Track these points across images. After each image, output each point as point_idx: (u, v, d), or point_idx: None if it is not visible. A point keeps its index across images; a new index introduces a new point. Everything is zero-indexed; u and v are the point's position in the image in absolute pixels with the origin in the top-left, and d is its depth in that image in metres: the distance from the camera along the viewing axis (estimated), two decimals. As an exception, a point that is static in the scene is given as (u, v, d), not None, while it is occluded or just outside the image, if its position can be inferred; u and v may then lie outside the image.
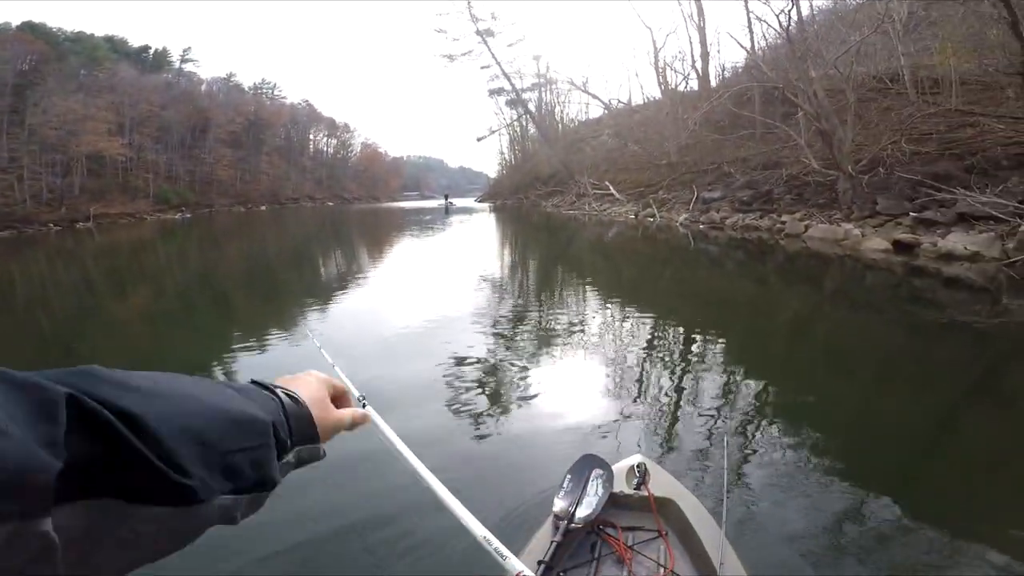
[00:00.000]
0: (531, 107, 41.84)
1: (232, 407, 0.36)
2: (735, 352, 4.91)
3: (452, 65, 36.44)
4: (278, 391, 0.43)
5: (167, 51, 58.46)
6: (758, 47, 22.64)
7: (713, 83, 27.03)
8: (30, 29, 44.49)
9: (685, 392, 3.91)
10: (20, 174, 33.59)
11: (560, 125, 43.50)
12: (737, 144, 19.26)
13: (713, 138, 20.52)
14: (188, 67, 58.65)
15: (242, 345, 5.71)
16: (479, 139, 45.89)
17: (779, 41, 21.07)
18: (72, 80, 39.62)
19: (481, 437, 3.30)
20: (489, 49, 35.14)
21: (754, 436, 3.17)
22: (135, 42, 56.60)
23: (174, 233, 27.05)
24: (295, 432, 0.42)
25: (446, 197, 50.63)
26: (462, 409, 3.71)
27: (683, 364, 4.61)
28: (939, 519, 2.32)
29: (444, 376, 4.32)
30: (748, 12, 21.28)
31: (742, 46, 22.94)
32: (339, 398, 0.53)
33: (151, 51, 57.16)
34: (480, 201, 52.31)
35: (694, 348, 5.13)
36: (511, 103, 43.43)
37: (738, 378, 4.19)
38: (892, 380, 4.26)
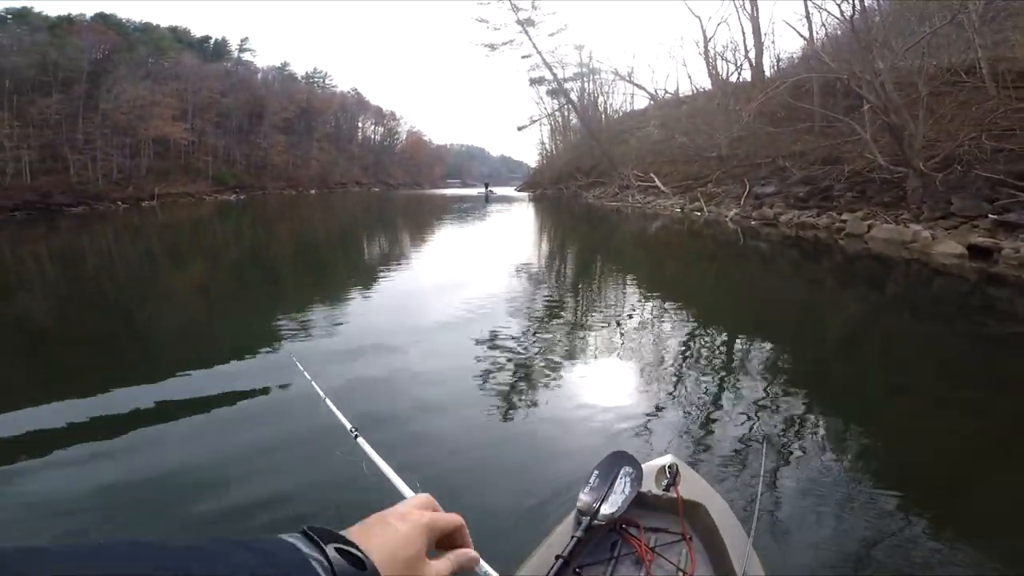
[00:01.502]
0: (573, 97, 41.28)
1: None
2: (781, 357, 4.73)
3: (493, 54, 36.04)
4: (330, 548, 0.33)
5: (226, 41, 60.76)
6: (817, 37, 21.69)
7: (767, 74, 26.05)
8: (103, 20, 47.21)
9: (724, 395, 3.78)
10: (94, 155, 36.00)
11: (603, 116, 42.81)
12: (793, 137, 18.53)
13: (768, 130, 19.80)
14: (246, 56, 60.81)
15: (281, 321, 5.94)
16: (520, 128, 45.64)
17: (839, 31, 20.21)
18: (141, 68, 41.87)
19: (508, 426, 3.31)
20: (530, 38, 34.70)
21: (793, 446, 3.05)
22: (197, 32, 59.03)
23: (230, 213, 28.23)
24: None
25: (486, 186, 50.82)
26: (490, 396, 3.75)
27: (724, 366, 4.47)
28: (988, 552, 2.18)
29: (475, 362, 4.39)
30: (806, 1, 20.34)
31: (801, 35, 22.09)
32: (452, 534, 0.43)
33: (212, 41, 59.44)
34: (520, 190, 52.26)
35: (737, 350, 4.97)
36: (553, 93, 42.96)
37: (781, 384, 4.02)
38: (954, 398, 3.97)
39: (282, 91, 56.66)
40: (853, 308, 7.13)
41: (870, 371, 4.60)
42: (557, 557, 1.50)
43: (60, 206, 31.51)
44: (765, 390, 3.84)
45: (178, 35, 55.31)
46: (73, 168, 35.13)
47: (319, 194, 50.85)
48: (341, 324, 5.63)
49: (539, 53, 35.32)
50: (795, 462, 2.84)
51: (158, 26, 53.77)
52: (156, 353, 5.11)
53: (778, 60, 27.76)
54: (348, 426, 1.95)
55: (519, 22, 33.66)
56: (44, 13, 45.36)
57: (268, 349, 4.81)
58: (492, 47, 35.13)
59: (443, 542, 0.42)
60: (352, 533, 0.36)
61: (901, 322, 6.40)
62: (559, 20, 49.61)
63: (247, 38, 67.19)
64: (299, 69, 65.52)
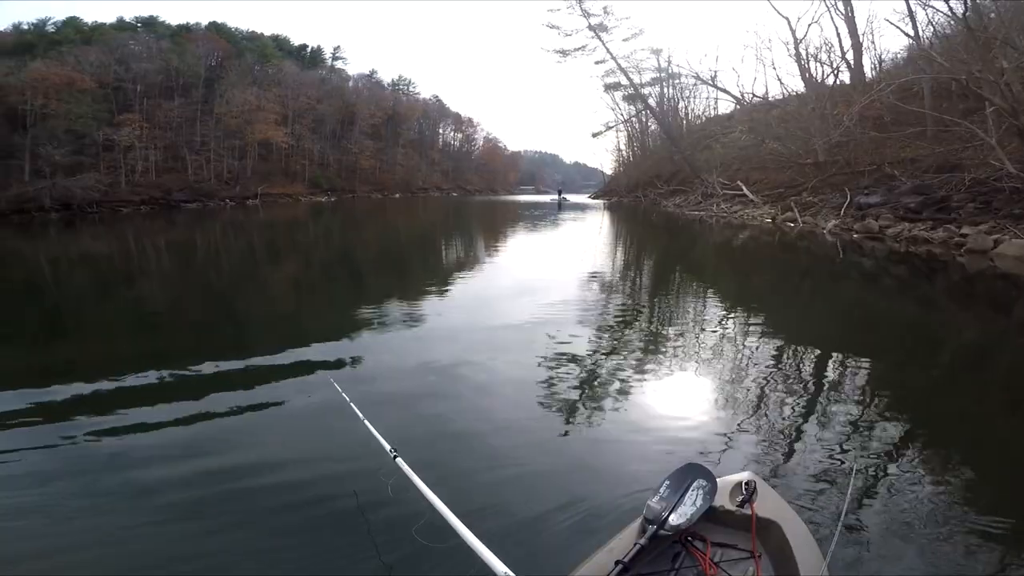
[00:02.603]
0: (651, 102, 40.24)
1: None
2: (881, 382, 4.33)
3: (565, 61, 35.64)
4: None
5: (321, 49, 64.92)
6: (923, 36, 19.90)
7: (868, 76, 24.19)
8: (215, 29, 51.94)
9: (812, 417, 3.56)
10: (208, 156, 39.85)
11: (684, 121, 41.47)
12: (902, 143, 17.09)
13: (872, 136, 18.38)
14: (338, 64, 64.74)
15: (361, 318, 6.32)
16: (595, 135, 44.78)
17: (948, 30, 18.43)
18: (248, 75, 45.63)
19: (576, 429, 3.31)
20: (603, 44, 34.09)
21: (885, 474, 2.83)
22: (296, 41, 63.50)
23: (322, 214, 30.13)
24: None
25: (559, 192, 50.80)
26: (560, 399, 3.76)
27: (814, 387, 4.19)
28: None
29: (546, 364, 4.44)
30: None
31: (907, 35, 20.30)
32: None
33: (308, 49, 63.72)
34: (594, 197, 51.70)
35: (829, 371, 4.64)
36: (629, 98, 41.99)
37: (879, 410, 3.73)
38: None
39: (371, 98, 59.59)
40: (972, 333, 6.40)
41: (986, 404, 4.11)
42: (617, 562, 1.49)
43: (178, 202, 35.09)
44: (859, 415, 3.59)
45: (279, 43, 59.68)
46: (190, 168, 39.02)
47: (403, 198, 53.25)
48: (404, 328, 5.84)
49: (613, 59, 34.84)
50: (886, 491, 2.65)
51: (262, 35, 58.50)
52: (221, 345, 5.38)
53: (880, 61, 25.71)
54: (387, 447, 2.07)
55: (591, 28, 33.30)
56: (167, 21, 50.79)
57: (318, 358, 4.75)
58: (564, 53, 34.96)
59: None
60: None
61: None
62: (633, 25, 48.49)
63: (339, 46, 71.39)
64: (386, 76, 68.91)
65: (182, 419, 3.44)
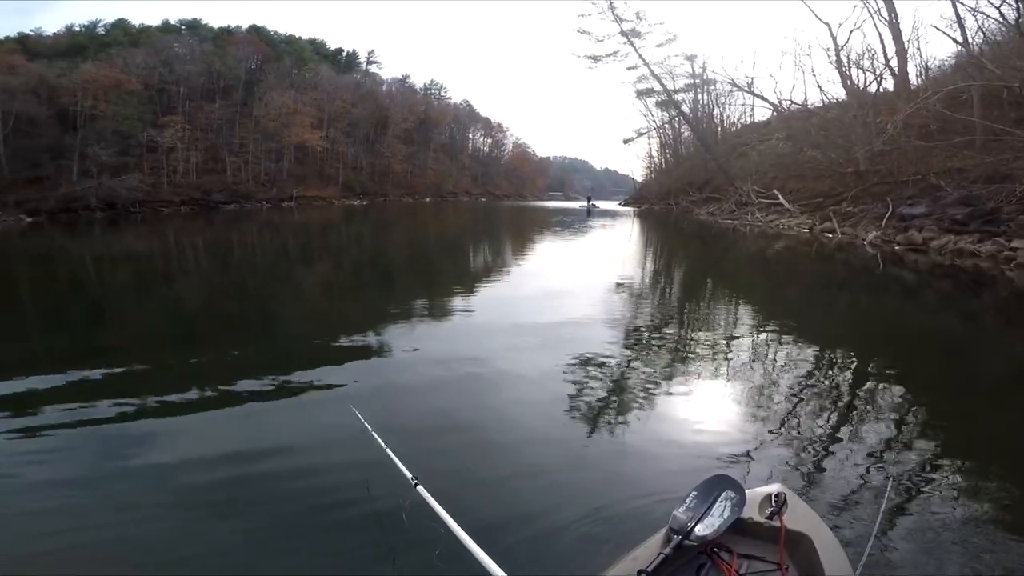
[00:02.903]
0: (685, 109, 39.59)
1: None
2: (920, 398, 4.20)
3: (596, 66, 35.15)
4: None
5: (356, 53, 65.90)
6: (973, 42, 19.10)
7: (914, 83, 23.31)
8: (255, 32, 53.26)
9: (846, 431, 3.47)
10: (247, 158, 40.91)
11: (719, 128, 40.75)
12: (948, 152, 16.39)
13: (916, 144, 17.70)
14: (372, 68, 65.76)
15: (389, 320, 6.42)
16: (626, 141, 44.45)
17: (1000, 36, 17.61)
18: (286, 78, 46.48)
19: (602, 438, 3.30)
20: (636, 50, 33.51)
21: (922, 490, 2.76)
22: (332, 45, 64.48)
23: (354, 217, 30.70)
24: None
25: (588, 199, 50.48)
26: (586, 408, 3.74)
27: (848, 401, 4.08)
28: None
29: (572, 373, 4.41)
30: (956, 5, 17.96)
31: (955, 41, 19.48)
32: None
33: (344, 53, 64.88)
34: (624, 205, 51.25)
35: (865, 385, 4.51)
36: (662, 105, 41.42)
37: (917, 426, 3.62)
38: None
39: (403, 102, 60.35)
40: (1020, 350, 6.11)
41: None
42: (640, 572, 1.47)
43: (217, 203, 36.21)
44: (896, 430, 3.50)
45: (316, 47, 60.78)
46: (229, 169, 40.17)
47: (433, 202, 53.81)
48: (429, 333, 5.89)
49: (646, 64, 34.32)
50: (921, 508, 2.59)
51: (300, 38, 59.64)
52: (245, 354, 5.32)
53: (926, 68, 24.75)
54: (408, 475, 2.05)
55: (623, 33, 32.85)
56: (209, 24, 52.44)
57: (337, 377, 4.47)
58: (595, 59, 34.51)
59: None
60: None
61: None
62: (667, 30, 47.43)
63: (373, 50, 72.61)
64: (418, 81, 69.52)
65: (198, 426, 3.47)
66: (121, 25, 48.98)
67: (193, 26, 51.92)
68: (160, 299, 8.64)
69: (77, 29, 47.72)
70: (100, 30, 48.28)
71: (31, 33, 45.81)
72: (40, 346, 5.72)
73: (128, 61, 38.43)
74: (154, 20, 52.20)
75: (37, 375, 4.38)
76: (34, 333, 6.37)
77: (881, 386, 4.47)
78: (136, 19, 52.05)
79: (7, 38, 43.05)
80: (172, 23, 51.66)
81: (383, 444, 2.35)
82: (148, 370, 4.69)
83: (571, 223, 26.84)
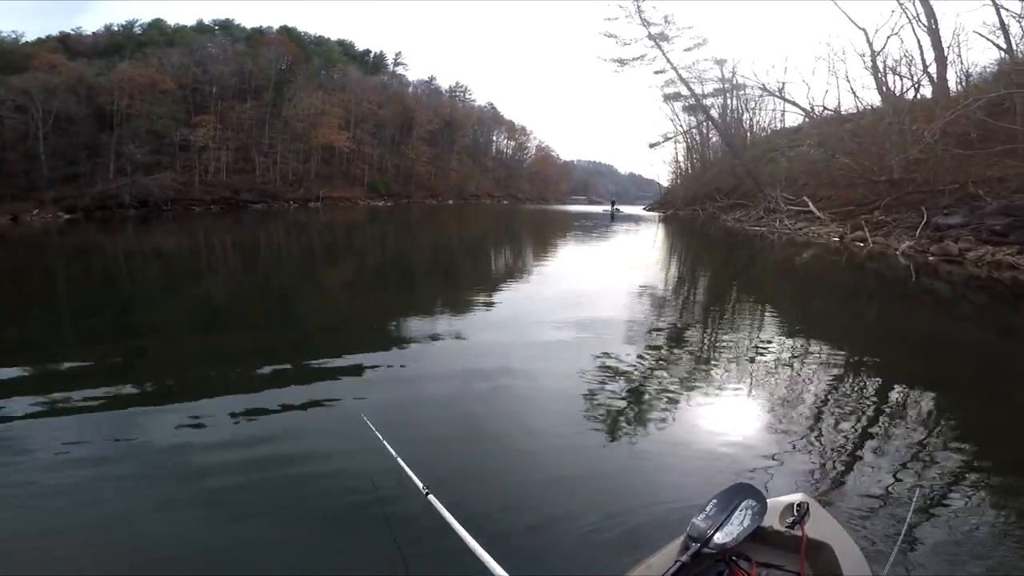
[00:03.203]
0: (713, 114, 38.97)
1: None
2: (949, 410, 4.09)
3: (623, 70, 34.71)
4: None
5: (384, 55, 66.78)
6: (1018, 49, 18.40)
7: (953, 90, 22.52)
8: (286, 32, 54.19)
9: (872, 442, 3.42)
10: (275, 158, 41.70)
11: (748, 134, 40.06)
12: (988, 161, 15.80)
13: (954, 153, 17.12)
14: (399, 70, 66.49)
15: (407, 323, 6.50)
16: (651, 145, 43.75)
17: None
18: (314, 79, 47.20)
19: (621, 445, 3.29)
20: (663, 54, 32.99)
21: (949, 501, 2.72)
22: (360, 46, 65.33)
23: (378, 217, 31.07)
24: None
25: (612, 203, 50.12)
26: (605, 414, 3.71)
27: (874, 412, 3.98)
28: None
29: (592, 379, 4.38)
30: (1000, 11, 17.29)
31: (999, 47, 18.79)
32: None
33: (371, 55, 65.69)
34: (649, 210, 50.70)
35: (892, 396, 4.39)
36: (690, 109, 40.81)
37: (946, 437, 3.55)
38: None
39: (428, 104, 60.90)
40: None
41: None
42: None
43: (246, 203, 37.02)
44: (924, 441, 3.43)
45: (345, 48, 61.72)
46: (258, 169, 40.98)
47: (456, 205, 54.10)
48: (448, 334, 5.88)
49: (674, 69, 33.84)
50: (947, 521, 2.55)
51: (329, 39, 60.61)
52: (262, 354, 5.20)
53: (966, 75, 23.89)
54: (420, 484, 2.03)
55: (651, 37, 32.46)
56: (242, 24, 53.60)
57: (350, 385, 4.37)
58: (622, 63, 34.10)
59: None
60: None
61: None
62: (696, 34, 46.51)
63: (400, 52, 73.12)
64: (443, 83, 70.00)
65: (212, 427, 3.47)
66: (157, 25, 50.55)
67: (226, 26, 53.22)
68: (186, 297, 8.87)
69: (115, 28, 49.46)
70: (137, 30, 49.98)
71: (72, 32, 47.69)
72: (71, 333, 5.99)
73: (163, 61, 39.59)
74: (189, 20, 53.91)
75: (67, 361, 4.65)
76: (66, 323, 6.62)
77: (911, 397, 4.37)
78: (172, 19, 53.66)
79: (49, 37, 44.83)
80: (206, 23, 53.23)
81: (394, 453, 2.34)
82: (164, 368, 4.78)
83: (594, 227, 26.68)
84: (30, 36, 42.79)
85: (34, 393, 3.94)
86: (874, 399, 4.31)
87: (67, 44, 44.37)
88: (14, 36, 41.19)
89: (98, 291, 9.18)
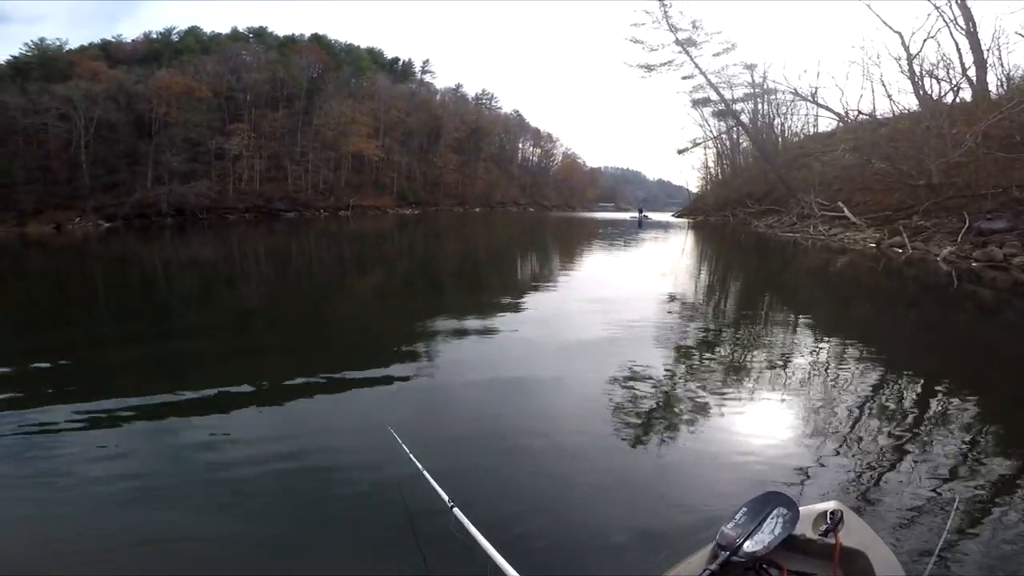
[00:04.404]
0: (744, 119, 38.33)
1: None
2: (991, 419, 3.93)
3: (650, 76, 34.25)
4: None
5: (412, 63, 67.30)
6: None
7: (993, 93, 21.64)
8: (316, 40, 54.88)
9: (910, 449, 3.33)
10: (307, 167, 42.42)
11: (780, 139, 39.26)
12: (1033, 165, 15.12)
13: (997, 156, 16.46)
14: (427, 78, 67.12)
15: (435, 329, 6.57)
16: (680, 151, 43.16)
17: None
18: (344, 87, 47.68)
19: (649, 453, 3.28)
20: (691, 59, 32.59)
21: (990, 511, 2.64)
22: (389, 54, 65.88)
23: (407, 226, 31.45)
24: None
25: (640, 210, 49.56)
26: (633, 421, 3.71)
27: (912, 419, 3.87)
28: None
29: (621, 386, 4.36)
30: None
31: None
32: None
33: (400, 63, 66.36)
34: (678, 216, 50.02)
35: (932, 404, 4.28)
36: (719, 115, 40.23)
37: (988, 444, 3.45)
38: None
39: (456, 112, 61.27)
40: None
41: None
42: None
43: (279, 211, 37.93)
44: (964, 450, 3.33)
45: (374, 56, 62.24)
46: (290, 178, 41.74)
47: (483, 212, 54.29)
48: (476, 342, 5.94)
49: (703, 74, 33.45)
50: (987, 531, 2.48)
51: (359, 47, 61.36)
52: (289, 363, 5.30)
53: (1007, 78, 22.91)
54: (445, 498, 2.04)
55: (678, 43, 32.11)
56: (275, 32, 54.67)
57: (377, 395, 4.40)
58: (649, 68, 33.81)
59: None
60: None
61: None
62: (725, 39, 45.62)
63: (428, 60, 73.81)
64: (470, 90, 70.47)
65: (239, 434, 3.54)
66: (193, 32, 52.03)
67: (260, 34, 54.36)
68: (219, 304, 9.17)
69: (154, 36, 51.23)
70: (174, 37, 51.59)
71: (113, 40, 49.56)
72: (109, 338, 6.28)
73: (199, 68, 40.43)
74: (224, 27, 55.04)
75: (104, 364, 4.91)
76: (106, 327, 6.91)
77: (952, 405, 4.23)
78: (208, 26, 55.20)
79: (91, 44, 46.62)
80: (240, 31, 54.19)
81: (420, 467, 2.36)
82: (194, 372, 4.94)
83: (621, 235, 26.45)
84: (73, 44, 44.61)
85: (72, 395, 4.16)
86: (912, 407, 4.19)
87: (108, 51, 46.07)
88: (58, 43, 43.01)
89: (136, 296, 9.57)
